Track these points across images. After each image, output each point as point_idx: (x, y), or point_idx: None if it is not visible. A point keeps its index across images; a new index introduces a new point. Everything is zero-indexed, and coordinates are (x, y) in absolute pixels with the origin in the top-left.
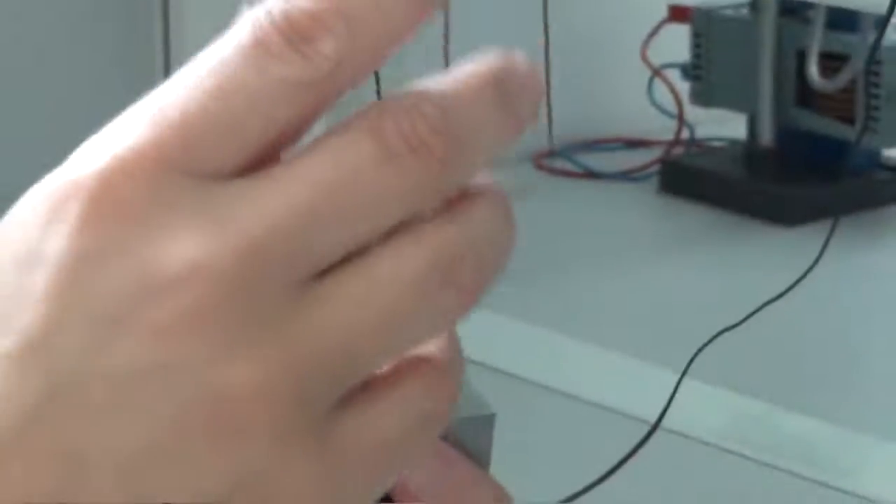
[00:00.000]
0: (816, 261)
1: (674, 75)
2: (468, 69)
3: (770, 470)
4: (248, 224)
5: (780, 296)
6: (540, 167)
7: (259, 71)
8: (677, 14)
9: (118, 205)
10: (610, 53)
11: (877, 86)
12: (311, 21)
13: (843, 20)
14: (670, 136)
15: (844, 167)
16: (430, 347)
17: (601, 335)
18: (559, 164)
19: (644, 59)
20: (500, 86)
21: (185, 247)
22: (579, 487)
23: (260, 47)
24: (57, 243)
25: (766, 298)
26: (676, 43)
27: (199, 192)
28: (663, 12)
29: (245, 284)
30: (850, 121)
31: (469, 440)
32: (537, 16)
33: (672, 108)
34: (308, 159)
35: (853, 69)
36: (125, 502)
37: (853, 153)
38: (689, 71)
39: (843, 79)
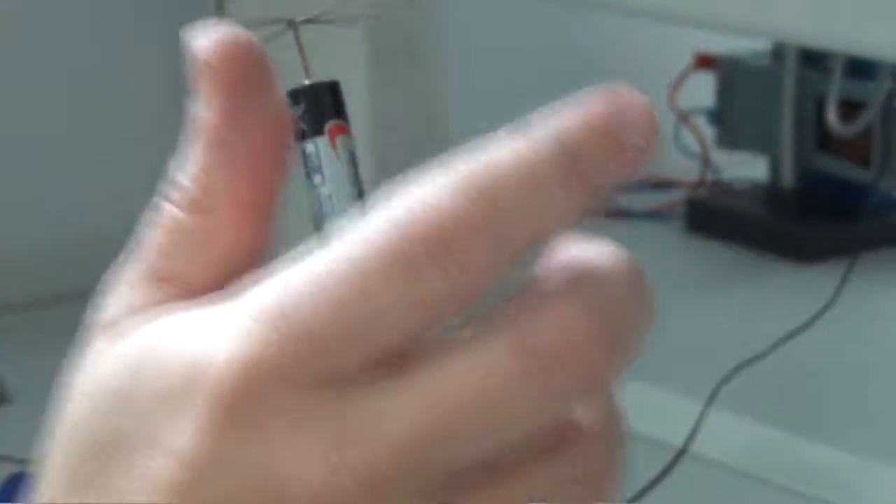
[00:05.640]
0: (835, 297)
1: (699, 121)
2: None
3: (791, 495)
4: (369, 447)
5: (800, 330)
6: None
7: (394, 287)
8: (703, 62)
9: (240, 415)
10: None
11: (893, 131)
12: (461, 227)
13: (860, 69)
14: (696, 178)
15: (862, 208)
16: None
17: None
18: None
19: (672, 105)
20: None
21: (305, 470)
22: None
23: (399, 261)
24: (181, 439)
25: (786, 332)
26: (700, 90)
27: (319, 406)
28: (688, 60)
29: None
30: (867, 164)
31: None
32: (563, 61)
33: (697, 151)
34: (438, 369)
35: (870, 115)
36: None
37: (871, 195)
38: (715, 116)
39: (860, 124)
